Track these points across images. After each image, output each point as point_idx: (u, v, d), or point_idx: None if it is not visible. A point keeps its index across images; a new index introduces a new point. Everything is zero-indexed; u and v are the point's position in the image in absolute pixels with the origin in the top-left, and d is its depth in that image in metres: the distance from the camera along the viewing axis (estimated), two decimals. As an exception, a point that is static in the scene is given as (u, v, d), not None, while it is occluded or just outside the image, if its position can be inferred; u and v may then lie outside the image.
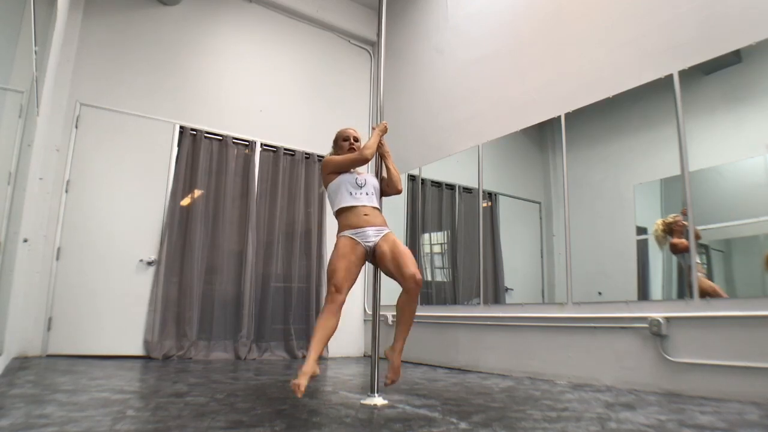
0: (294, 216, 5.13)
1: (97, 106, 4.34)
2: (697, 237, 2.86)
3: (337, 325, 2.29)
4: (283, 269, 5.00)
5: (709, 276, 2.89)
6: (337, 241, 2.42)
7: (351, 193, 2.47)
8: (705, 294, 2.77)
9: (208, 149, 4.79)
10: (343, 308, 2.30)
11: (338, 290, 2.28)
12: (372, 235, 2.39)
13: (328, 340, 2.28)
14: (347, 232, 2.40)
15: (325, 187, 2.61)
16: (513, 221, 4.28)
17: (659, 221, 3.09)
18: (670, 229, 3.02)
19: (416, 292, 2.31)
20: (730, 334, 2.60)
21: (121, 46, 4.54)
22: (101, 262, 4.16)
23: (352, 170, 2.60)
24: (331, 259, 2.37)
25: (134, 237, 4.32)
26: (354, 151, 2.60)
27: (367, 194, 2.49)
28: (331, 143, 2.78)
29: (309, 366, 2.10)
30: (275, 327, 4.82)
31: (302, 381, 2.02)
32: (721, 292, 2.75)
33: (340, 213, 2.49)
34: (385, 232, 2.43)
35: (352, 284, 2.35)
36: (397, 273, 2.32)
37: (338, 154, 2.65)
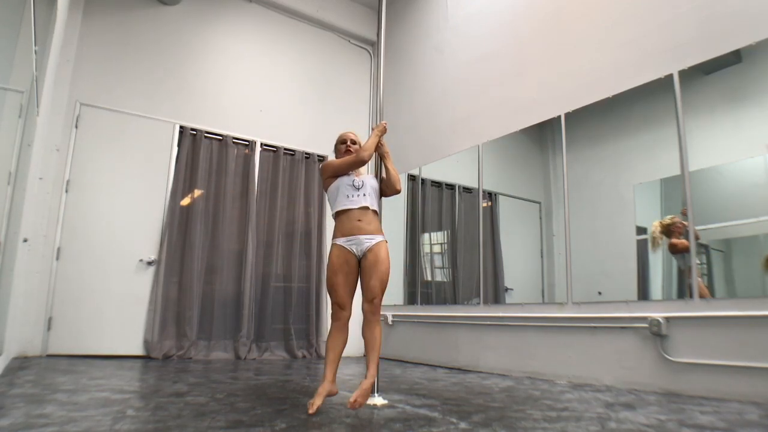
0: (294, 216, 5.13)
1: (97, 106, 4.34)
2: (696, 237, 2.86)
3: (346, 339, 2.31)
4: (283, 269, 5.00)
5: (709, 276, 2.89)
6: (330, 249, 2.44)
7: (348, 196, 2.46)
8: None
9: (208, 149, 4.79)
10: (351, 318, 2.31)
11: (342, 307, 2.31)
12: (364, 242, 2.37)
13: (340, 356, 2.30)
14: (339, 240, 2.39)
15: (326, 191, 2.62)
16: (513, 221, 4.28)
17: (656, 222, 3.08)
18: (668, 231, 3.02)
19: (371, 316, 2.28)
20: (730, 334, 2.60)
21: (120, 46, 4.54)
22: (101, 262, 4.16)
23: (350, 172, 2.60)
24: (327, 274, 2.38)
25: (134, 237, 4.32)
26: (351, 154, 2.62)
27: (364, 195, 2.48)
28: (330, 143, 2.84)
29: (324, 387, 2.14)
30: (275, 327, 4.83)
31: (317, 401, 2.05)
32: (704, 291, 2.77)
33: (336, 216, 2.50)
34: (377, 240, 2.39)
35: (353, 294, 2.36)
36: (363, 283, 2.33)
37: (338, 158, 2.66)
